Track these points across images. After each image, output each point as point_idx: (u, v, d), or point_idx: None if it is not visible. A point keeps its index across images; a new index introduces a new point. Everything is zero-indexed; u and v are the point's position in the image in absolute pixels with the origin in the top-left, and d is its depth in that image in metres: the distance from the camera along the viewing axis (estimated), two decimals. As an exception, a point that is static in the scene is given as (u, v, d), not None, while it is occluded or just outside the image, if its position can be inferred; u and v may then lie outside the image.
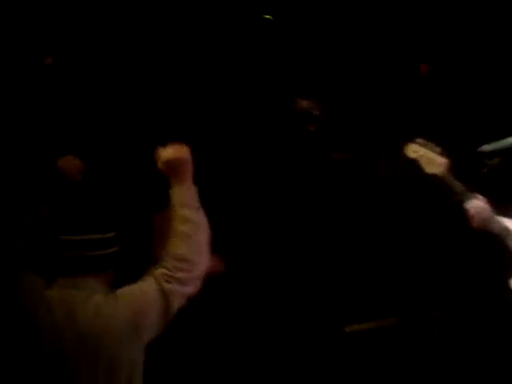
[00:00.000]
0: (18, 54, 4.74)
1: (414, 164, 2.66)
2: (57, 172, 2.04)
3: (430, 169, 2.65)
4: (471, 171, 3.01)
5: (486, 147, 3.04)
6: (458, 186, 2.68)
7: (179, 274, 1.89)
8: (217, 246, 2.10)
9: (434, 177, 2.65)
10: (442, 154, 2.68)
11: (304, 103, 4.39)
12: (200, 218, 1.97)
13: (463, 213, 2.65)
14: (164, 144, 2.00)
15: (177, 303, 1.91)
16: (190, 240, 1.92)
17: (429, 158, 2.65)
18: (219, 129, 4.42)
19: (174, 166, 1.97)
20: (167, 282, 1.89)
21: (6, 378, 1.90)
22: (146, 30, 4.53)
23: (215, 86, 4.55)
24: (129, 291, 1.93)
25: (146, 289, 1.91)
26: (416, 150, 2.68)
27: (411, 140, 2.70)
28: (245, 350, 3.18)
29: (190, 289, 1.93)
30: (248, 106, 4.47)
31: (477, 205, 2.62)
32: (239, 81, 4.58)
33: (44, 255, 1.96)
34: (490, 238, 2.70)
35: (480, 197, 2.67)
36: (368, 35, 4.53)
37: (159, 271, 1.92)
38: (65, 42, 4.72)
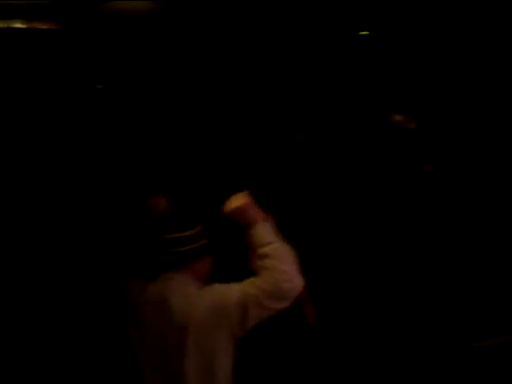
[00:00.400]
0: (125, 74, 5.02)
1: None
2: (148, 209, 2.23)
3: None
4: None
5: None
6: None
7: (266, 286, 1.97)
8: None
9: None
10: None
11: (399, 117, 4.39)
12: (282, 251, 2.02)
13: None
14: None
15: (256, 311, 1.97)
16: (276, 273, 1.97)
17: None
18: (314, 144, 4.47)
19: (239, 214, 2.07)
20: (252, 287, 1.98)
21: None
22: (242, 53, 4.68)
23: (310, 101, 4.62)
24: (216, 287, 2.07)
25: (230, 288, 2.03)
26: None
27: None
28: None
29: (275, 304, 1.98)
30: (345, 120, 4.51)
31: None
32: (336, 95, 4.63)
33: (148, 254, 2.11)
34: None
35: None
36: (466, 50, 4.49)
37: (248, 280, 2.03)
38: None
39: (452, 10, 4.49)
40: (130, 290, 2.17)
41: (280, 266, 1.97)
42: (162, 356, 2.07)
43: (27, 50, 5.21)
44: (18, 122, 4.93)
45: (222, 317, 1.99)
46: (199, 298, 2.02)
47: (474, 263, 3.52)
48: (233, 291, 2.01)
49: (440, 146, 4.35)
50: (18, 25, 5.22)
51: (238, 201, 2.09)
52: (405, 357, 3.20)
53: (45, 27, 5.20)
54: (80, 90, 5.15)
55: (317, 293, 2.56)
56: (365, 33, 4.52)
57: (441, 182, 4.05)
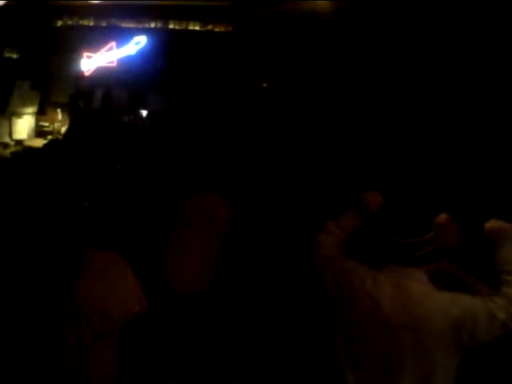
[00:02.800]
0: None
1: None
2: (362, 202, 2.18)
3: None
4: None
5: None
6: None
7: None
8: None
9: None
10: None
11: None
12: None
13: None
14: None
15: (497, 329, 1.82)
16: None
17: None
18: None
19: (497, 233, 1.94)
20: (502, 312, 1.82)
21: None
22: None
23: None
24: (462, 298, 1.88)
25: (478, 304, 1.85)
26: None
27: None
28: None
29: None
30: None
31: None
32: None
33: (376, 249, 2.06)
34: None
35: None
36: None
37: (500, 300, 1.85)
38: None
39: None
40: (349, 274, 2.03)
41: None
42: (367, 352, 1.92)
43: (203, 50, 5.60)
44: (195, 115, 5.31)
45: (463, 333, 1.81)
46: (438, 304, 1.85)
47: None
48: (479, 308, 1.83)
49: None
50: (195, 27, 5.62)
51: (497, 222, 1.97)
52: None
53: (220, 29, 5.54)
54: (248, 88, 5.42)
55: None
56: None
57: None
